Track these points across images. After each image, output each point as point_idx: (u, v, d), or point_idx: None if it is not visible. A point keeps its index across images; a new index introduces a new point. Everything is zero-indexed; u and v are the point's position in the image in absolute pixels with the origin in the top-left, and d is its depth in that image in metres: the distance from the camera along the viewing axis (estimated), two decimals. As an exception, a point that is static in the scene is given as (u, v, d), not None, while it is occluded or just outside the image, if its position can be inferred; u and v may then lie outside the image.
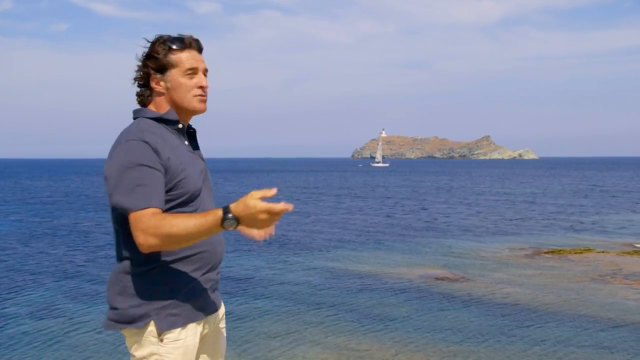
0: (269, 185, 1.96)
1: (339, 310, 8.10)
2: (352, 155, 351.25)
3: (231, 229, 1.86)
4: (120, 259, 2.10)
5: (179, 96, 2.14)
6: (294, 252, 13.19)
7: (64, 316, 7.81)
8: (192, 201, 2.09)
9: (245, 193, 1.87)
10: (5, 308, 8.27)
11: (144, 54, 2.15)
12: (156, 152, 2.00)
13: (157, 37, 2.16)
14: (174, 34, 2.18)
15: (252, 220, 1.84)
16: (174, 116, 2.15)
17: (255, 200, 1.82)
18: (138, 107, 2.20)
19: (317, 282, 9.91)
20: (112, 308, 2.10)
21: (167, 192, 2.02)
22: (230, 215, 1.84)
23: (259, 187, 1.93)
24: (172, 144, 2.09)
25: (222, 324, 2.33)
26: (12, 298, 8.86)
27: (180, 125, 2.16)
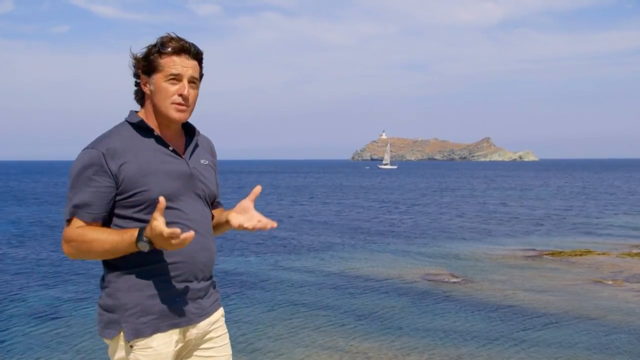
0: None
1: (338, 312, 8.09)
2: (352, 157, 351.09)
3: (146, 249, 1.90)
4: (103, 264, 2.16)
5: (158, 101, 2.08)
6: (295, 253, 13.18)
7: (66, 318, 7.80)
8: (166, 206, 2.04)
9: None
10: (6, 310, 8.26)
11: (140, 53, 2.10)
12: (106, 159, 2.00)
13: (161, 37, 2.08)
14: (183, 36, 2.10)
15: (160, 242, 1.87)
16: (146, 125, 2.10)
17: (156, 223, 1.84)
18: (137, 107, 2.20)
19: (316, 284, 9.90)
20: (98, 314, 2.16)
21: (126, 197, 2.03)
22: (144, 237, 1.89)
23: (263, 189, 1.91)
24: (141, 149, 2.06)
25: (218, 333, 2.27)
26: (13, 300, 8.85)
27: (156, 133, 2.10)
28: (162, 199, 1.85)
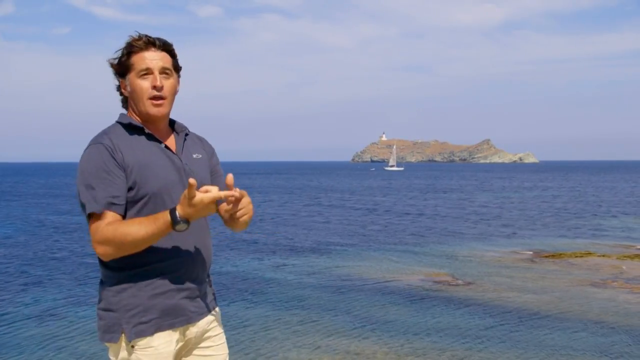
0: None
1: (338, 313, 8.09)
2: (352, 159, 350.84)
3: (184, 228, 1.93)
4: (102, 266, 2.15)
5: (136, 100, 2.13)
6: (293, 254, 13.18)
7: (63, 320, 7.80)
8: (162, 200, 2.07)
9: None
10: (10, 310, 8.26)
11: (113, 58, 2.15)
12: (112, 153, 2.04)
13: (129, 38, 2.13)
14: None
15: (201, 212, 1.91)
16: (136, 124, 2.13)
17: (200, 196, 1.87)
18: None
19: (315, 285, 9.90)
20: (99, 318, 2.17)
21: (127, 191, 2.05)
22: (179, 219, 1.90)
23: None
24: (135, 146, 2.10)
25: (216, 332, 2.29)
26: (18, 300, 8.85)
27: (147, 131, 2.14)
28: (192, 180, 1.85)
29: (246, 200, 2.01)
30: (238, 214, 2.01)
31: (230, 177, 1.97)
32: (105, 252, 1.98)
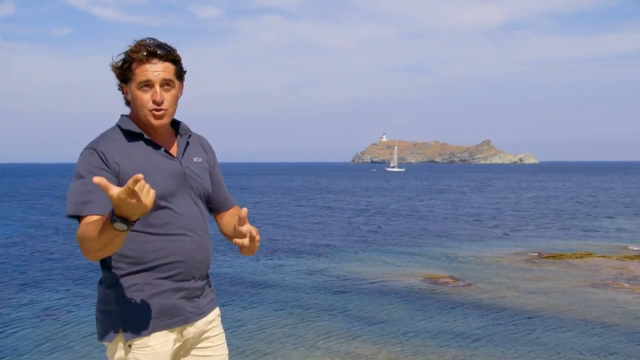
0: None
1: (337, 314, 8.09)
2: (353, 160, 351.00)
3: (124, 228, 1.73)
4: (101, 265, 2.13)
5: (136, 110, 2.10)
6: (292, 255, 13.18)
7: (65, 320, 7.80)
8: (160, 207, 2.04)
9: None
10: (7, 310, 8.26)
11: (116, 63, 2.09)
12: (104, 157, 2.02)
13: (131, 46, 2.06)
14: (161, 39, 2.10)
15: (126, 207, 1.67)
16: (135, 130, 2.11)
17: (112, 191, 1.64)
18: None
19: (314, 286, 9.90)
20: (97, 319, 2.15)
21: None
22: (114, 217, 1.71)
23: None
24: (133, 152, 2.08)
25: (214, 332, 2.28)
26: (15, 300, 8.85)
27: (146, 137, 2.12)
28: (138, 176, 1.64)
29: (256, 240, 2.15)
30: (243, 249, 2.16)
31: (244, 211, 2.03)
32: (84, 252, 1.91)
